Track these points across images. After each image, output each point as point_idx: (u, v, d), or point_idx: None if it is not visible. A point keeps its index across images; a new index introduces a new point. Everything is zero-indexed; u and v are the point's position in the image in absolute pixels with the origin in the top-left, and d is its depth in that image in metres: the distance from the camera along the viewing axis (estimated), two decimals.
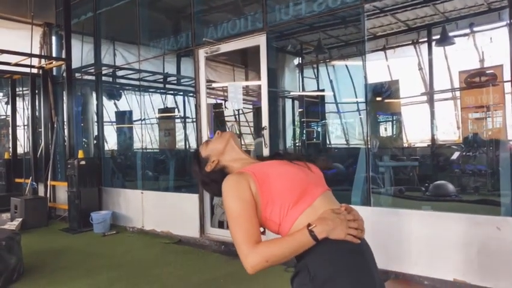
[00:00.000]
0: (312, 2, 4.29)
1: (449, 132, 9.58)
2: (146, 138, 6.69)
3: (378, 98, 9.18)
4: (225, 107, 8.56)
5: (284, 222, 1.40)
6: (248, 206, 1.39)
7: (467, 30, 8.24)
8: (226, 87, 8.92)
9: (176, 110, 9.77)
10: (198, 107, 5.30)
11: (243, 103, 9.95)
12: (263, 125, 4.59)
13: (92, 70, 6.91)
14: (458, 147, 8.52)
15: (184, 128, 9.52)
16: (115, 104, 8.54)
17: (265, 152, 4.61)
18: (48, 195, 6.90)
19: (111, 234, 5.76)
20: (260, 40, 4.57)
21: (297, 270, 1.36)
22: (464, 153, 8.18)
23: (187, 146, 9.40)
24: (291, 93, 9.83)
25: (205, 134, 5.27)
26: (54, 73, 7.37)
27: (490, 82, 7.75)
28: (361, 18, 4.09)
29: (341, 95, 10.21)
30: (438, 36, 8.21)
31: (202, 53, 5.20)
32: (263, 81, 4.61)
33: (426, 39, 8.96)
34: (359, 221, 1.39)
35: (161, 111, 8.53)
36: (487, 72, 7.98)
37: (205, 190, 1.68)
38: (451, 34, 7.78)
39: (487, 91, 7.81)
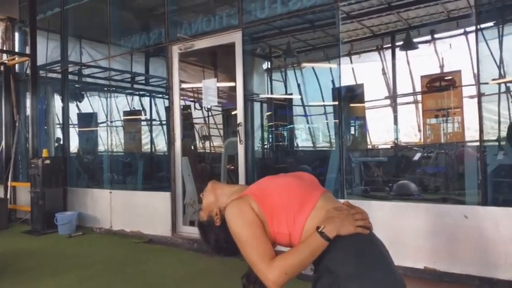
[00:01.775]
0: (287, 0, 4.37)
1: (410, 134, 9.97)
2: (113, 139, 6.54)
3: (345, 102, 9.40)
4: (195, 108, 8.48)
5: (293, 231, 1.42)
6: (255, 227, 1.41)
7: (429, 37, 8.65)
8: (196, 88, 8.88)
9: (142, 112, 9.61)
10: (171, 104, 5.24)
11: (211, 106, 9.91)
12: (238, 122, 4.60)
13: (58, 68, 6.69)
14: (419, 148, 8.88)
15: (151, 131, 9.40)
16: (77, 105, 8.30)
17: (240, 149, 4.62)
18: (8, 197, 6.58)
19: (77, 235, 5.56)
20: (236, 37, 4.60)
21: (319, 275, 1.38)
22: (425, 155, 8.52)
23: (153, 149, 9.26)
24: (260, 96, 9.91)
25: (178, 133, 5.21)
26: (16, 70, 7.07)
27: (449, 87, 8.16)
28: (336, 20, 4.21)
29: (309, 99, 10.40)
30: (401, 42, 8.56)
31: (176, 50, 5.16)
32: (238, 78, 4.63)
33: (390, 45, 9.31)
34: (363, 213, 1.46)
35: (127, 113, 8.37)
36: (446, 77, 8.40)
37: (229, 255, 1.62)
38: (413, 40, 8.12)
39: (446, 95, 8.20)
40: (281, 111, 10.08)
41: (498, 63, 5.19)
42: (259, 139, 10.11)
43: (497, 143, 4.66)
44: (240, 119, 4.61)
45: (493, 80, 8.20)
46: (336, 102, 8.23)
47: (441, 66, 8.85)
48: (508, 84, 5.42)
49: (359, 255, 1.35)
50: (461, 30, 8.46)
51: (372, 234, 1.46)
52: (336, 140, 5.70)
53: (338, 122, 4.43)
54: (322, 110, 10.32)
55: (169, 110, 5.31)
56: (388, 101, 10.00)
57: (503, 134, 5.03)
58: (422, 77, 8.80)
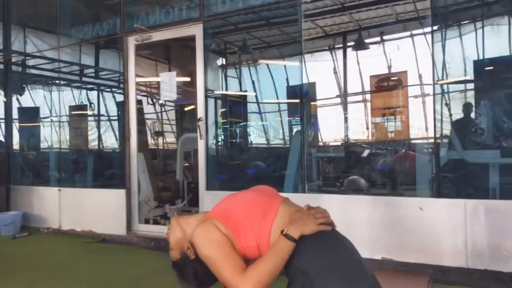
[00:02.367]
0: None
1: (359, 132, 10.35)
2: (58, 135, 6.21)
3: (297, 100, 9.55)
4: (148, 103, 8.24)
5: (261, 242, 1.46)
6: (223, 245, 1.44)
7: (378, 38, 9.01)
8: (149, 82, 8.64)
9: (90, 107, 9.18)
10: (126, 98, 5.05)
11: (165, 101, 9.70)
12: (199, 117, 4.53)
13: (0, 57, 6.22)
14: (368, 145, 9.23)
15: (98, 126, 9.00)
16: (17, 99, 7.76)
17: (201, 145, 4.55)
18: None
19: (23, 236, 5.22)
20: (196, 30, 4.52)
21: (291, 278, 1.41)
22: (373, 151, 8.88)
23: (101, 146, 8.88)
24: (215, 92, 9.83)
25: (134, 128, 5.04)
26: None
27: (396, 86, 8.56)
28: (298, 17, 4.26)
29: (263, 96, 10.47)
30: (353, 43, 8.85)
31: (132, 41, 4.98)
32: (199, 72, 4.56)
33: (341, 45, 9.59)
34: (323, 211, 1.53)
35: (73, 108, 7.95)
36: (393, 78, 8.81)
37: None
38: (365, 41, 8.42)
39: (393, 95, 8.59)
40: (236, 107, 10.08)
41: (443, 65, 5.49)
42: (213, 136, 10.04)
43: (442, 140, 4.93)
44: (201, 114, 4.54)
45: (438, 80, 8.72)
46: (292, 100, 8.37)
47: (389, 67, 9.25)
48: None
49: (326, 253, 1.40)
50: (408, 33, 8.92)
51: (335, 231, 1.53)
52: (295, 137, 5.76)
53: (300, 118, 4.48)
54: (276, 108, 10.42)
55: (124, 104, 5.11)
56: (339, 100, 10.32)
57: (446, 131, 5.38)
58: (371, 76, 9.18)
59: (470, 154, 3.93)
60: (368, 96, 9.67)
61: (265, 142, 10.91)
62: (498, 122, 4.50)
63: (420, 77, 9.14)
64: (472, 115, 4.63)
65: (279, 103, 10.17)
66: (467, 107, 4.87)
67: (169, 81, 4.95)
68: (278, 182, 4.65)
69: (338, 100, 10.34)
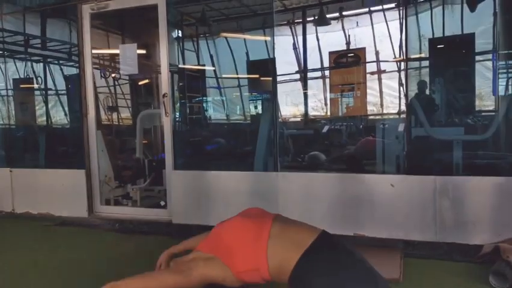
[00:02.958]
0: None
1: (318, 108, 10.46)
2: (8, 110, 5.72)
3: (257, 75, 9.46)
4: (101, 77, 7.78)
5: (259, 265, 1.44)
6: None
7: (337, 14, 9.01)
8: (101, 54, 8.13)
9: (37, 80, 8.53)
10: (82, 72, 4.70)
11: (119, 75, 9.25)
12: (163, 93, 4.31)
13: None
14: (327, 121, 9.37)
15: (45, 101, 8.41)
16: None
17: (166, 123, 4.34)
18: None
19: None
20: None
21: None
22: (332, 127, 9.01)
23: (51, 122, 8.33)
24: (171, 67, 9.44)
25: (92, 104, 4.72)
26: None
27: (355, 63, 8.66)
28: None
29: (222, 71, 10.25)
30: (312, 18, 8.79)
31: (87, 10, 4.59)
32: (162, 45, 4.30)
33: (301, 20, 9.50)
34: None
35: (20, 81, 7.34)
36: (352, 54, 8.90)
37: None
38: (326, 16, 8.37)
39: (351, 71, 8.69)
40: (194, 82, 9.78)
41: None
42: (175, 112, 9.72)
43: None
44: (166, 89, 4.32)
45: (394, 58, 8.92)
46: (253, 75, 8.23)
47: (348, 43, 9.33)
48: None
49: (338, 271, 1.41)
50: (366, 9, 8.99)
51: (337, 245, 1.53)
52: (264, 113, 5.66)
53: (272, 94, 4.38)
54: (237, 83, 10.24)
55: (80, 79, 4.75)
56: (298, 76, 10.31)
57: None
58: (330, 53, 9.21)
59: (436, 131, 4.05)
60: (327, 73, 9.73)
61: (225, 118, 10.76)
62: (459, 100, 4.67)
63: (377, 53, 9.32)
64: (435, 92, 4.75)
65: (239, 78, 10.00)
66: (427, 85, 5.00)
67: (129, 54, 4.64)
68: (245, 159, 4.57)
69: (297, 76, 10.34)
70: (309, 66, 9.88)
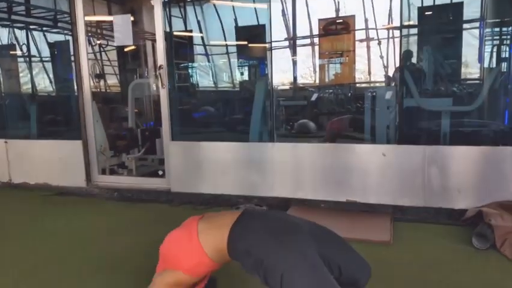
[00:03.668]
0: None
1: (307, 76, 10.48)
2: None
3: (245, 42, 9.38)
4: (90, 44, 7.63)
5: (201, 258, 1.61)
6: None
7: None
8: (88, 21, 7.93)
9: (25, 47, 8.31)
10: (75, 42, 4.65)
11: (105, 41, 9.09)
12: (159, 64, 4.32)
13: None
14: (315, 89, 9.43)
15: (29, 68, 8.23)
16: None
17: (162, 93, 4.39)
18: None
19: None
20: None
21: (240, 260, 1.56)
22: (321, 95, 9.10)
23: (41, 91, 8.19)
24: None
25: (86, 75, 4.70)
26: None
27: (344, 30, 8.65)
28: None
29: (209, 37, 10.12)
30: None
31: None
32: (157, 11, 4.27)
33: None
34: None
35: (6, 48, 7.16)
36: (341, 21, 8.87)
37: None
38: None
39: (341, 38, 8.69)
40: (181, 49, 9.66)
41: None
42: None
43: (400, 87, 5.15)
44: (161, 61, 4.33)
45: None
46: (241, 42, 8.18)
47: (337, 10, 9.27)
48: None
49: (259, 231, 1.54)
50: None
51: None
52: (259, 82, 5.68)
53: (268, 62, 4.43)
54: (225, 50, 10.16)
55: (73, 49, 4.70)
56: (287, 43, 10.25)
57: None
58: (319, 20, 9.16)
59: (425, 102, 4.20)
60: (316, 40, 9.70)
61: (213, 85, 10.71)
62: (447, 69, 4.80)
63: (366, 21, 9.30)
64: (424, 61, 4.83)
65: (227, 45, 9.90)
66: (415, 54, 5.08)
67: (123, 25, 4.59)
68: (249, 128, 4.64)
69: (286, 43, 10.28)
70: (298, 34, 9.84)
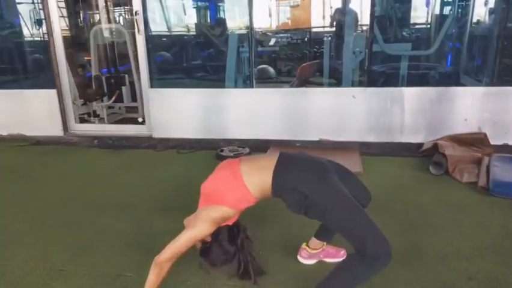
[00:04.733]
0: None
1: (264, 20, 10.50)
2: None
3: None
4: None
5: (243, 193, 1.81)
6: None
7: None
8: None
9: None
10: None
11: None
12: (135, 10, 4.31)
13: None
14: (273, 34, 9.54)
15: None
16: None
17: (139, 40, 4.42)
18: None
19: None
20: None
21: (285, 197, 1.79)
22: (278, 40, 9.24)
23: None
24: None
25: (56, 20, 4.59)
26: None
27: None
28: None
29: None
30: None
31: None
32: None
33: None
34: None
35: None
36: None
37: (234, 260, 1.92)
38: None
39: None
40: None
41: None
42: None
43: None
44: (137, 6, 4.32)
45: None
46: None
47: None
48: None
49: (300, 170, 1.80)
50: None
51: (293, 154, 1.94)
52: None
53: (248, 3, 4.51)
54: None
55: None
56: None
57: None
58: None
59: (388, 47, 4.58)
60: None
61: (167, 30, 10.43)
62: (406, 16, 5.16)
63: None
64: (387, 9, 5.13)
65: None
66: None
67: None
68: (224, 75, 4.79)
69: None
70: None
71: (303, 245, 2.25)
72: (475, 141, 3.85)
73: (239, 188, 1.80)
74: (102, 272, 2.22)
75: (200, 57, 7.05)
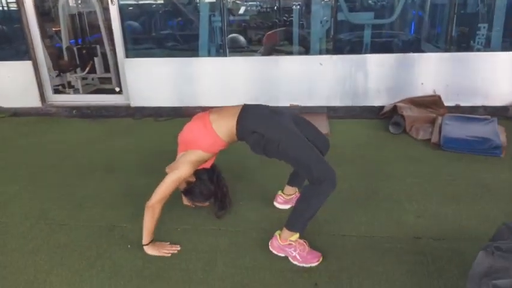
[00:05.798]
0: None
1: None
2: None
3: None
4: None
5: (214, 139, 2.15)
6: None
7: None
8: None
9: None
10: None
11: None
12: None
13: None
14: (242, 2, 9.58)
15: None
16: None
17: (113, 11, 4.51)
18: None
19: None
20: None
21: (246, 139, 2.13)
22: (248, 9, 9.31)
23: None
24: None
25: None
26: None
27: None
28: None
29: None
30: None
31: None
32: None
33: None
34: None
35: None
36: None
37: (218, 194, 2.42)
38: None
39: None
40: None
41: None
42: None
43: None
44: None
45: None
46: None
47: None
48: None
49: (258, 116, 2.14)
50: None
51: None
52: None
53: None
54: None
55: None
56: None
57: None
58: None
59: (352, 16, 4.85)
60: None
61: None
62: None
63: None
64: None
65: None
66: None
67: None
68: (198, 45, 4.93)
69: None
70: None
71: (279, 192, 2.59)
72: (430, 103, 4.25)
73: (210, 134, 2.14)
74: (99, 224, 2.48)
75: (169, 27, 7.09)
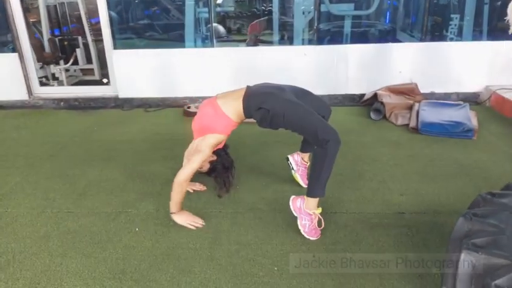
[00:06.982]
0: None
1: None
2: None
3: None
4: None
5: (226, 120, 2.40)
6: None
7: None
8: None
9: None
10: None
11: None
12: None
13: None
14: None
15: None
16: None
17: (100, 2, 4.54)
18: None
19: None
20: None
21: (254, 116, 2.36)
22: None
23: None
24: None
25: None
26: None
27: None
28: None
29: None
30: None
31: None
32: None
33: None
34: None
35: None
36: None
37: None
38: None
39: None
40: None
41: None
42: None
43: None
44: None
45: None
46: None
47: None
48: None
49: (264, 94, 2.36)
50: None
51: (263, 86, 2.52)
52: None
53: None
54: None
55: None
56: None
57: None
58: None
59: (334, 7, 5.04)
60: None
61: None
62: None
63: None
64: None
65: None
66: None
67: None
68: (183, 36, 5.01)
69: None
70: None
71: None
72: (408, 90, 4.51)
73: (222, 117, 2.38)
74: (105, 211, 2.61)
75: (146, 16, 7.07)
